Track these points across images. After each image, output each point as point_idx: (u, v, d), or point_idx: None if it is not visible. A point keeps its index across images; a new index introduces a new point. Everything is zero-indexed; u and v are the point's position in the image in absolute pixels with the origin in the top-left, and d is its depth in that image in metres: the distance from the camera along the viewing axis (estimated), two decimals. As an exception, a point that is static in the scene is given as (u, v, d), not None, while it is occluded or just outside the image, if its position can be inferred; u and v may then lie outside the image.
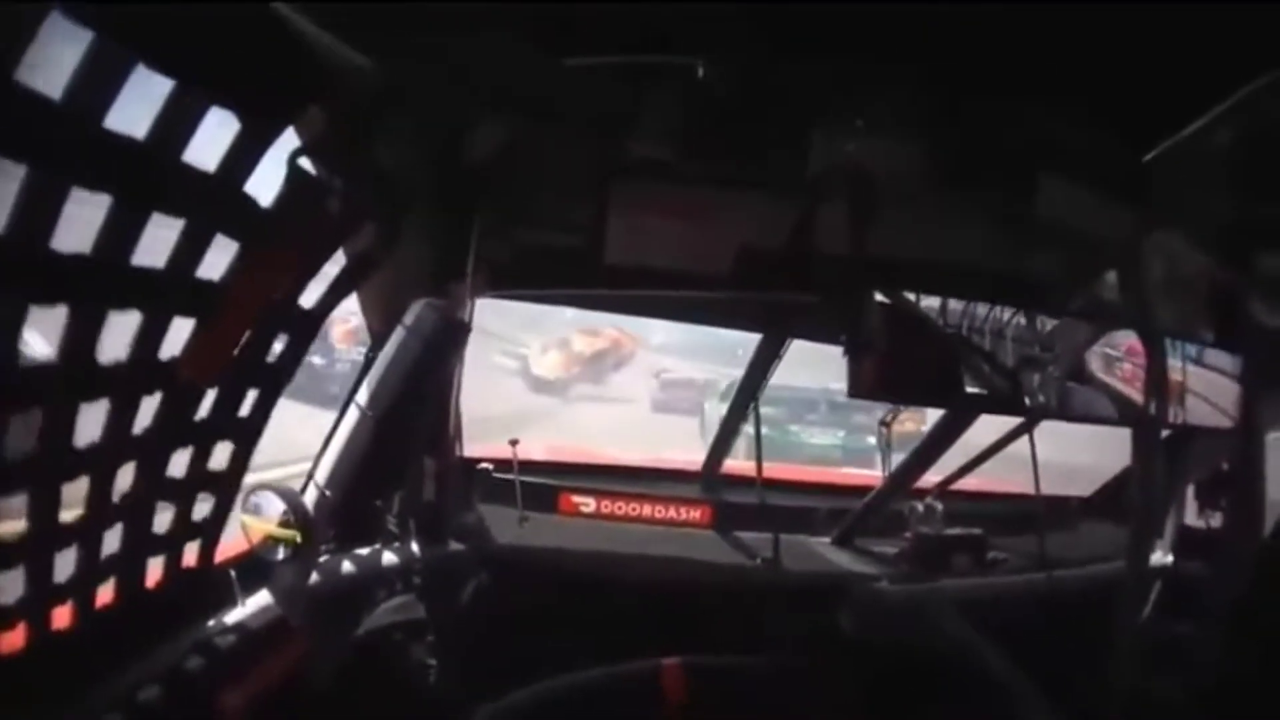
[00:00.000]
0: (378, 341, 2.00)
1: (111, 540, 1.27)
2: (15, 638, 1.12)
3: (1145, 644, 2.52)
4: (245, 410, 1.47)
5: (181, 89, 0.97)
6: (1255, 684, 2.34)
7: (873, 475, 3.26)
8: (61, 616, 1.21)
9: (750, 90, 1.61)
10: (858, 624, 2.62)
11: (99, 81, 0.86)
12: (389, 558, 2.13)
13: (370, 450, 1.94)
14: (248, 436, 1.51)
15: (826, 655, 2.57)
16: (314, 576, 1.87)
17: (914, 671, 2.48)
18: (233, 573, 1.65)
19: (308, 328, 1.52)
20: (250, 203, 1.19)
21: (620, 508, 3.05)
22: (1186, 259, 2.10)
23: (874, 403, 2.73)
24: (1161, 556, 2.88)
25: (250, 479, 1.62)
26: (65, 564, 1.18)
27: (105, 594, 1.31)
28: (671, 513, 3.09)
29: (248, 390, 1.45)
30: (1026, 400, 2.07)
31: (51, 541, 1.11)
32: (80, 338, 0.99)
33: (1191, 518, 2.84)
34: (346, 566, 2.01)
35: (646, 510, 3.07)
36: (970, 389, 2.00)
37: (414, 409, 2.07)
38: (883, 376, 1.91)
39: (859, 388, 1.90)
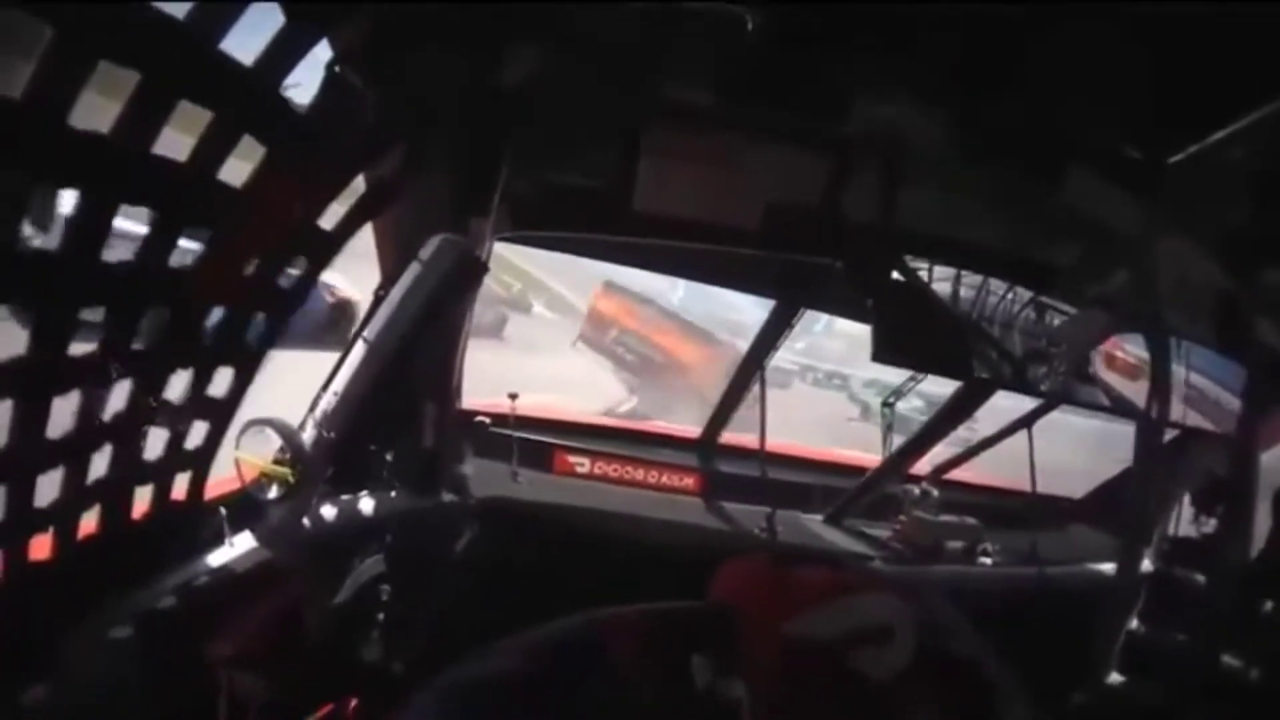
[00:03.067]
0: (388, 280, 1.90)
1: (99, 465, 1.17)
2: None
3: (1130, 646, 2.56)
4: (251, 334, 1.36)
5: None
6: (1238, 690, 2.34)
7: (869, 456, 3.25)
8: (42, 546, 1.11)
9: (790, 38, 1.52)
10: None
11: None
12: (383, 504, 2.04)
13: (374, 390, 1.85)
14: (250, 362, 1.40)
15: None
16: (306, 518, 1.78)
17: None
18: (223, 510, 1.55)
19: (323, 252, 1.41)
20: (283, 105, 1.09)
21: (614, 469, 3.03)
22: (1197, 266, 2.07)
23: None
24: (1151, 561, 2.88)
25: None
26: (49, 488, 1.08)
27: (89, 524, 1.21)
28: (665, 478, 3.07)
29: (256, 312, 1.34)
30: (1032, 386, 2.13)
31: (35, 459, 1.01)
32: (87, 229, 0.89)
33: (1183, 525, 2.83)
34: (339, 511, 1.92)
35: (640, 474, 3.04)
36: (983, 368, 2.03)
37: (422, 349, 1.98)
38: (909, 343, 1.94)
39: (884, 352, 1.89)
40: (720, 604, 1.42)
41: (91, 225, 0.89)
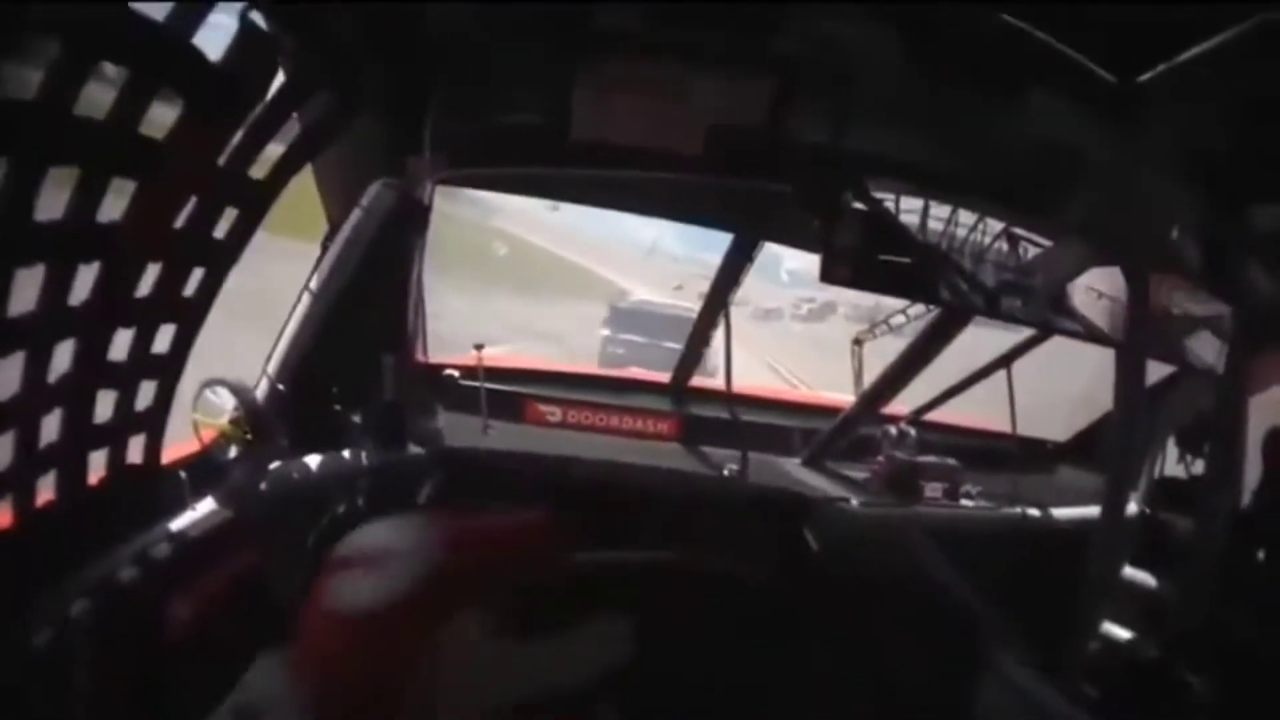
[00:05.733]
0: (335, 227, 1.88)
1: (50, 431, 1.16)
2: None
3: (1117, 592, 2.55)
4: (189, 290, 1.35)
5: None
6: (1229, 638, 2.35)
7: (845, 397, 3.24)
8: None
9: None
10: (824, 543, 2.58)
11: None
12: (347, 461, 2.03)
13: (325, 342, 1.84)
14: (191, 317, 1.39)
15: (791, 572, 2.52)
16: (267, 478, 1.78)
17: (878, 595, 2.46)
18: (182, 474, 1.55)
19: (257, 202, 1.39)
20: (198, 56, 1.07)
21: (587, 417, 3.02)
22: (1177, 195, 2.06)
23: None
24: (1137, 505, 2.87)
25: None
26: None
27: (45, 492, 1.21)
28: (639, 424, 3.07)
29: (192, 267, 1.33)
30: (1005, 313, 2.08)
31: None
32: (18, 192, 0.88)
33: (1170, 467, 2.83)
34: (301, 468, 1.92)
35: (614, 421, 3.04)
36: (947, 295, 2.02)
37: (372, 298, 1.97)
38: (857, 266, 1.90)
39: (831, 274, 1.88)
40: None
41: (19, 184, 0.88)
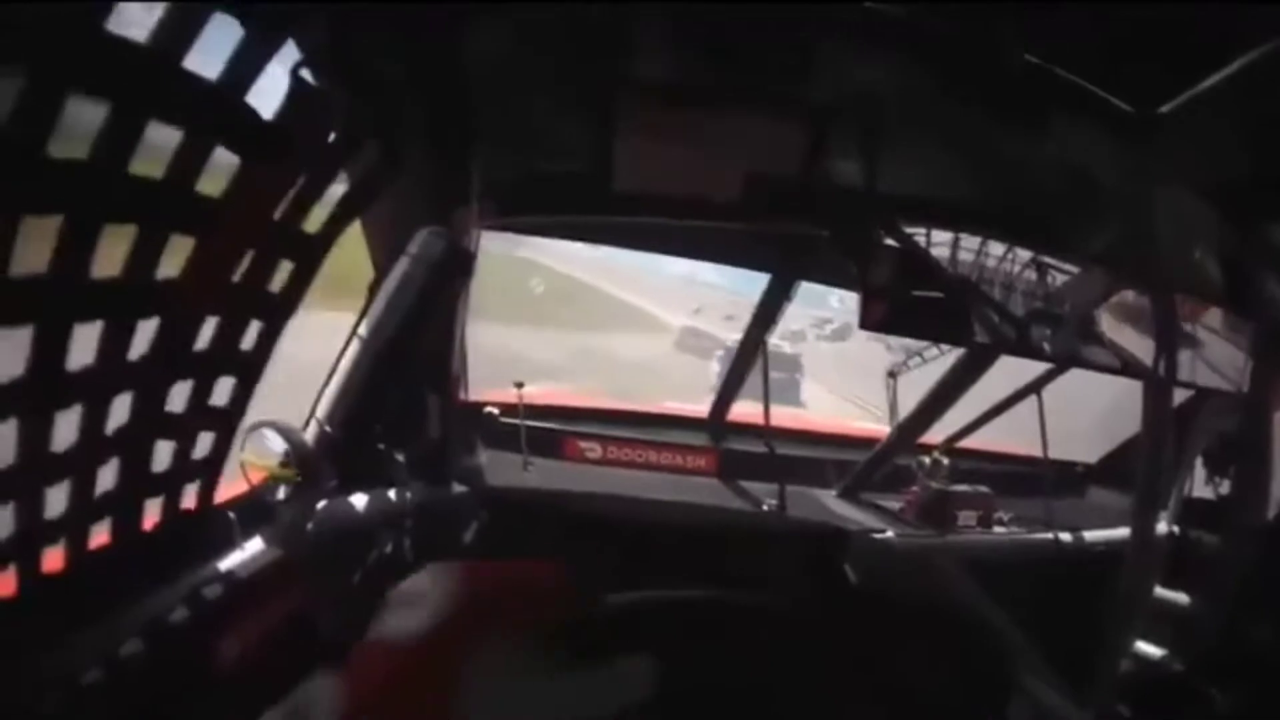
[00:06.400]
0: (381, 275, 1.92)
1: (107, 479, 1.19)
2: (4, 580, 1.06)
3: (1148, 613, 2.51)
4: (246, 343, 1.39)
5: None
6: (1258, 656, 2.33)
7: (880, 429, 3.23)
8: (54, 559, 1.14)
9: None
10: (862, 575, 2.56)
11: None
12: (392, 499, 2.06)
13: (372, 385, 1.88)
14: (249, 371, 1.42)
15: (826, 603, 2.48)
16: (315, 518, 1.81)
17: (915, 625, 2.43)
18: (232, 514, 1.58)
19: (312, 254, 1.43)
20: (251, 114, 1.11)
21: (626, 453, 3.04)
22: (1199, 219, 2.04)
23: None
24: (1167, 526, 2.81)
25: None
26: (57, 502, 1.10)
27: (100, 536, 1.23)
28: (677, 459, 3.07)
29: (249, 320, 1.36)
30: (1036, 347, 2.08)
31: (41, 473, 1.04)
32: (76, 248, 0.91)
33: (1198, 488, 2.79)
34: (349, 508, 1.95)
35: (652, 457, 3.05)
36: (980, 333, 2.01)
37: (417, 342, 2.00)
38: (894, 310, 1.90)
39: (870, 320, 1.88)
40: None
41: (77, 243, 0.92)
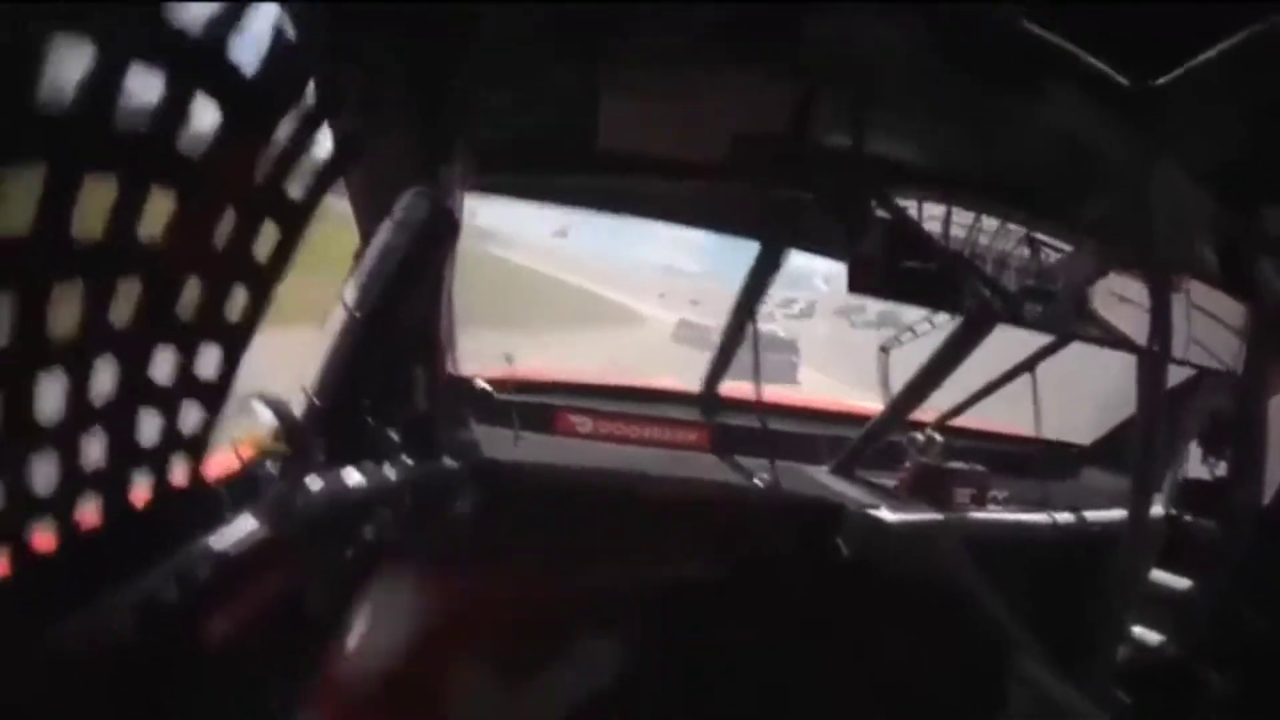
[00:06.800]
0: (366, 240, 1.88)
1: (94, 453, 1.14)
2: None
3: (1142, 596, 2.53)
4: (233, 312, 1.34)
5: None
6: (1255, 641, 2.35)
7: (872, 406, 3.21)
8: (43, 538, 1.10)
9: None
10: (855, 550, 2.55)
11: None
12: (382, 474, 2.03)
13: (359, 354, 1.83)
14: (235, 340, 1.37)
15: (819, 579, 2.49)
16: (306, 493, 1.76)
17: (909, 603, 2.43)
18: (223, 490, 1.55)
19: (296, 219, 1.38)
20: (234, 68, 1.06)
21: (618, 429, 3.02)
22: (1196, 197, 2.06)
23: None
24: (1161, 508, 2.85)
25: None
26: (44, 479, 1.06)
27: (89, 514, 1.19)
28: (669, 434, 3.06)
29: (233, 285, 1.31)
30: (1028, 320, 2.14)
31: (25, 442, 0.99)
32: (57, 202, 0.86)
33: (1193, 469, 2.82)
34: (339, 482, 1.91)
35: (644, 432, 3.04)
36: (975, 302, 2.06)
37: (403, 308, 1.96)
38: (883, 273, 1.95)
39: (858, 283, 1.93)
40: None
41: (59, 201, 0.87)
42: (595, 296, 32.77)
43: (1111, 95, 1.67)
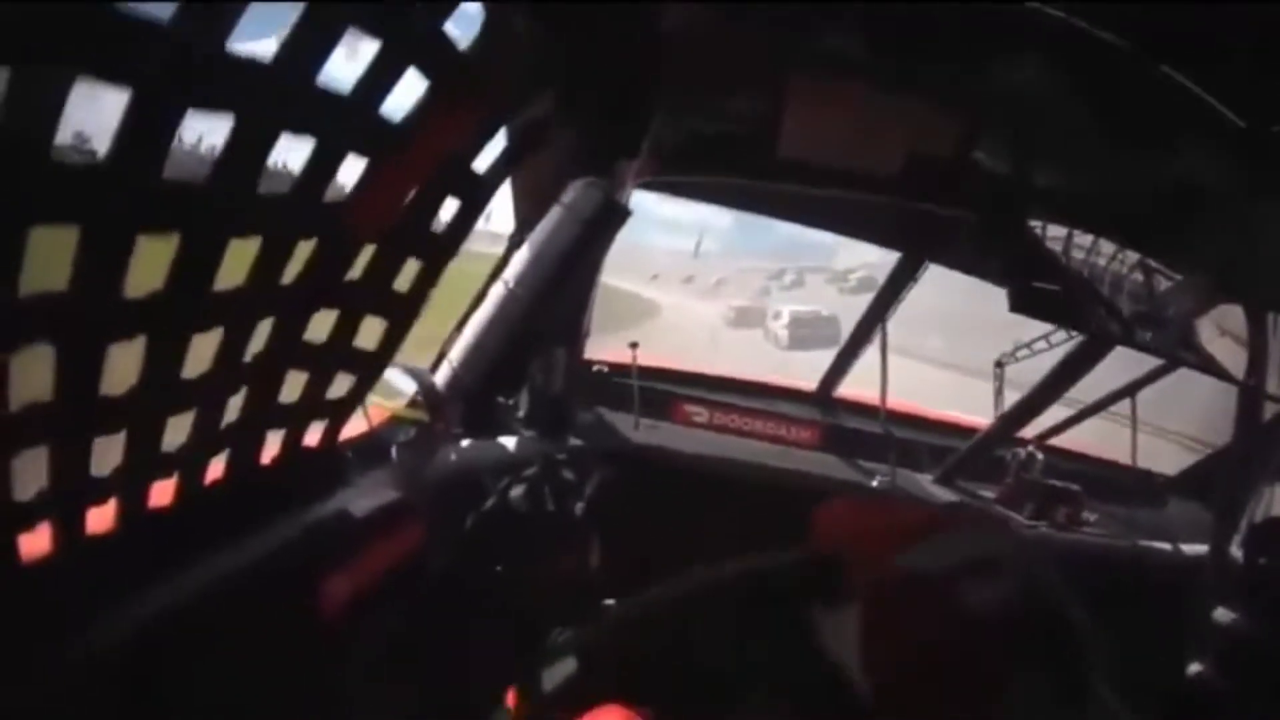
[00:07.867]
0: (523, 226, 1.88)
1: (232, 410, 1.14)
2: (107, 512, 1.01)
3: (1213, 634, 2.44)
4: (403, 284, 1.32)
5: None
6: None
7: (980, 419, 3.20)
8: (163, 492, 1.10)
9: None
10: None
11: None
12: (511, 450, 2.04)
13: (512, 335, 1.84)
14: (404, 312, 1.36)
15: None
16: (443, 461, 1.78)
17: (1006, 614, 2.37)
18: (350, 454, 1.55)
19: (478, 195, 1.36)
20: (446, 40, 1.03)
21: (733, 420, 3.04)
22: None
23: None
24: (1239, 546, 2.71)
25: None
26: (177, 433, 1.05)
27: (216, 469, 1.19)
28: (782, 430, 3.08)
29: (406, 257, 1.29)
30: (1142, 345, 2.13)
31: (168, 400, 0.98)
32: (245, 149, 0.83)
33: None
34: (469, 453, 1.92)
35: (758, 425, 3.06)
36: (1098, 327, 2.11)
37: (561, 294, 1.96)
38: (1046, 297, 1.96)
39: (1021, 304, 1.93)
40: (826, 550, 1.36)
41: (247, 154, 0.84)
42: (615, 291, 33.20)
43: (1229, 138, 1.60)
